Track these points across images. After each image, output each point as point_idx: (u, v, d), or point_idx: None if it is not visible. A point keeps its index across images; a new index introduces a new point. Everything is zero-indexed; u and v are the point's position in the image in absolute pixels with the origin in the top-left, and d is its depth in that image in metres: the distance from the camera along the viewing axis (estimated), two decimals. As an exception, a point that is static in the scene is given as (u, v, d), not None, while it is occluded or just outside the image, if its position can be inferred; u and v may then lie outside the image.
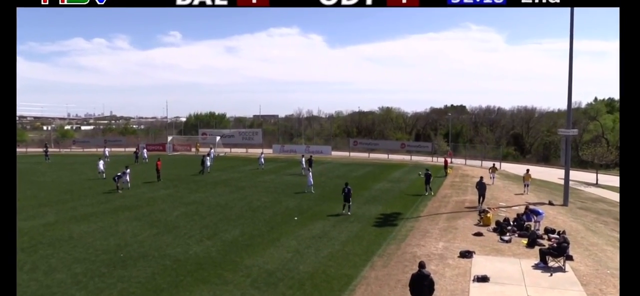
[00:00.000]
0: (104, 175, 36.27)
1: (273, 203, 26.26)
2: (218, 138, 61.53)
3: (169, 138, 63.90)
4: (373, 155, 58.98)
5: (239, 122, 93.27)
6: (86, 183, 33.56)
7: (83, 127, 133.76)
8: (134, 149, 53.28)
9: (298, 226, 20.58)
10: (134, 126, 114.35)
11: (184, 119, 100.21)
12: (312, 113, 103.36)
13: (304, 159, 40.35)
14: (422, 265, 10.77)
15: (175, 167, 44.20)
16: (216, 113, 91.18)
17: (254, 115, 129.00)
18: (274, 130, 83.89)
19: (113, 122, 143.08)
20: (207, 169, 38.79)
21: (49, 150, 54.43)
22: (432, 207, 25.22)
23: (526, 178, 29.81)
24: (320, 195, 28.62)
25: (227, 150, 62.22)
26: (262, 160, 43.55)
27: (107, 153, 52.25)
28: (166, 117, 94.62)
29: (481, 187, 25.21)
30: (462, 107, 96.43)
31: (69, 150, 67.24)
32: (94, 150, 63.16)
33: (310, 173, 30.03)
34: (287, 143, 68.33)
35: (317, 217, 22.56)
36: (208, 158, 40.42)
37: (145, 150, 51.85)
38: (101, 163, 37.19)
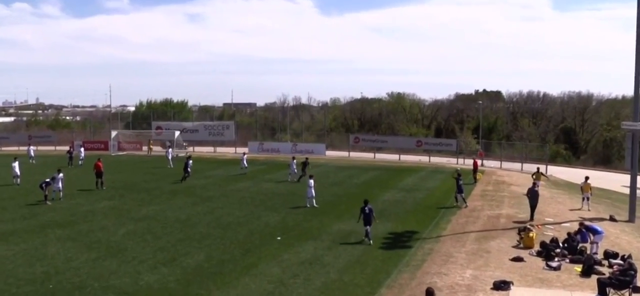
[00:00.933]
0: (19, 180, 36.13)
1: (249, 218, 26.21)
2: (177, 133, 61.33)
3: (113, 133, 63.61)
4: (380, 156, 59.08)
5: (205, 112, 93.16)
6: (4, 192, 33.35)
7: (0, 119, 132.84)
8: (67, 148, 52.98)
9: (282, 248, 20.53)
10: (68, 118, 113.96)
11: (132, 109, 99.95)
12: (300, 101, 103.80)
13: (295, 161, 40.26)
14: (430, 293, 10.75)
15: (120, 171, 44.00)
16: (174, 101, 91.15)
17: (225, 104, 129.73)
18: (250, 123, 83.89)
19: (40, 112, 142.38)
20: (188, 174, 38.61)
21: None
22: (457, 224, 25.28)
23: (585, 189, 29.71)
24: (311, 207, 28.60)
25: (190, 149, 62.09)
26: (245, 162, 43.91)
27: (32, 152, 51.98)
28: (109, 106, 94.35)
29: (533, 195, 25.61)
30: (497, 93, 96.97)
31: (-20, 148, 66.76)
32: (15, 148, 62.62)
33: (312, 182, 29.54)
34: (268, 140, 68.33)
35: (306, 236, 22.53)
36: (190, 161, 40.20)
37: (82, 149, 51.65)
38: (17, 165, 36.92)
